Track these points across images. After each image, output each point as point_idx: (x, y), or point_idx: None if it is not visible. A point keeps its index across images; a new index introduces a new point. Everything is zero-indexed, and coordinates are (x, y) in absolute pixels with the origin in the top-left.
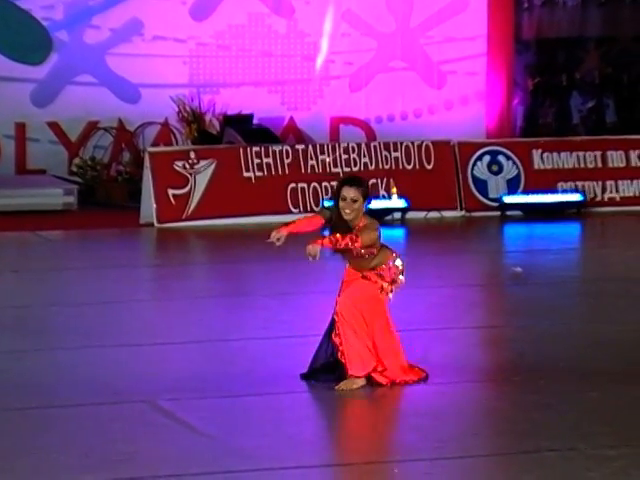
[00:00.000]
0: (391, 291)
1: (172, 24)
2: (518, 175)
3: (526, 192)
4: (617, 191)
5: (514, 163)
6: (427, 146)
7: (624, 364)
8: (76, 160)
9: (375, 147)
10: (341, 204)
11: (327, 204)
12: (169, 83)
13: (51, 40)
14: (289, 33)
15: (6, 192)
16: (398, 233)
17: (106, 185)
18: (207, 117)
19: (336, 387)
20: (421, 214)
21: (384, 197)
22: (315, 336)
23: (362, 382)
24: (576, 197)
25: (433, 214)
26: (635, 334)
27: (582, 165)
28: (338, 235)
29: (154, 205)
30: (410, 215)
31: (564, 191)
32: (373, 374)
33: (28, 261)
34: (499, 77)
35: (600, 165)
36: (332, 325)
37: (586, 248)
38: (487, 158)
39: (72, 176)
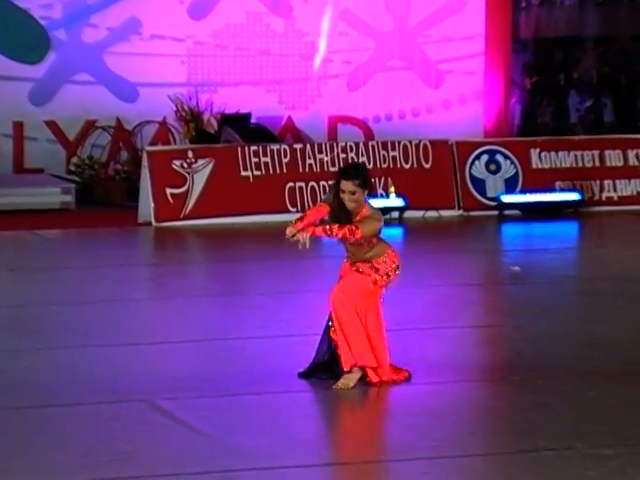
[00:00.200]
0: (384, 285)
1: (170, 23)
2: (516, 174)
3: (524, 191)
4: (615, 190)
5: (512, 162)
6: (425, 145)
7: (622, 363)
8: (74, 159)
9: (373, 146)
10: (341, 195)
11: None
12: (167, 82)
13: (49, 39)
14: (287, 32)
15: (4, 191)
16: (396, 232)
17: (104, 184)
18: (205, 116)
19: (334, 386)
20: (419, 213)
21: (382, 196)
22: (313, 335)
23: (358, 375)
24: (574, 196)
25: (431, 213)
26: (633, 333)
27: (580, 164)
28: (335, 225)
29: (152, 204)
30: (408, 214)
31: (562, 190)
32: (368, 370)
33: (26, 260)
34: (497, 76)
35: (598, 164)
36: (329, 322)
37: (584, 247)
38: (485, 157)
39: (70, 175)
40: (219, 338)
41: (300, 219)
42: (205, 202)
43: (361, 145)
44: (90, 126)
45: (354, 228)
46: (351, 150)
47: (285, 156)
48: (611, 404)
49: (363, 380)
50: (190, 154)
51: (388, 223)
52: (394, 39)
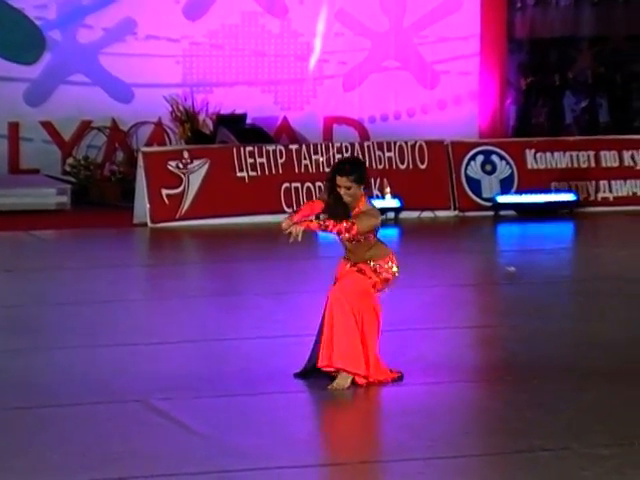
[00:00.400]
0: (382, 290)
1: (165, 23)
2: (511, 175)
3: (519, 192)
4: (610, 191)
5: (507, 163)
6: (420, 146)
7: (617, 363)
8: (69, 160)
9: (368, 147)
10: (337, 189)
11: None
12: (162, 83)
13: (44, 39)
14: (283, 33)
15: None
16: (391, 233)
17: (99, 185)
18: (200, 117)
19: (329, 387)
20: (414, 214)
21: (378, 197)
22: (309, 335)
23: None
24: (569, 197)
25: (426, 214)
26: (628, 333)
27: (575, 165)
28: (330, 221)
29: (147, 205)
30: (403, 215)
31: (557, 191)
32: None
33: (21, 261)
34: (492, 77)
35: (593, 165)
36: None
37: (579, 248)
38: (480, 158)
39: (65, 176)
40: (215, 338)
41: (294, 212)
42: (201, 203)
43: (357, 146)
44: (85, 127)
45: (350, 224)
46: (347, 151)
47: (281, 157)
48: (607, 404)
49: (352, 382)
50: (186, 155)
51: (384, 224)
52: (389, 40)
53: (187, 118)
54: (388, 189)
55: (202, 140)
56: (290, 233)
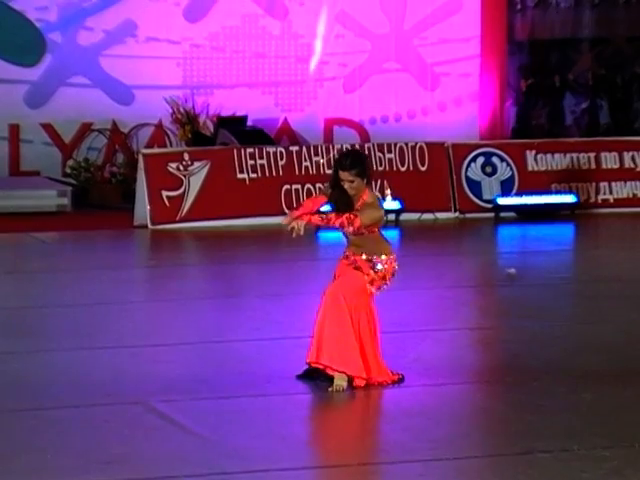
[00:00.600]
0: (379, 287)
1: (166, 26)
2: (512, 176)
3: (520, 193)
4: (611, 192)
5: (508, 165)
6: (421, 147)
7: (617, 365)
8: (70, 162)
9: (369, 148)
10: (341, 183)
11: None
12: (163, 84)
13: (45, 41)
14: (283, 34)
15: (0, 193)
16: (392, 234)
17: (100, 187)
18: (201, 118)
19: (329, 389)
20: (415, 215)
21: (378, 199)
22: (309, 337)
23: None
24: (570, 198)
25: (427, 216)
26: (628, 335)
27: (576, 166)
28: (332, 214)
29: (148, 207)
30: (404, 216)
31: (558, 192)
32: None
33: (22, 262)
34: (492, 78)
35: (594, 166)
36: None
37: (580, 249)
38: (481, 159)
39: (66, 178)
40: (215, 340)
41: (296, 208)
42: (201, 204)
43: (357, 147)
44: (86, 129)
45: (352, 217)
46: None
47: (281, 158)
48: (607, 405)
49: (349, 385)
50: (186, 156)
51: (384, 225)
52: (390, 41)
53: (187, 120)
54: (388, 191)
55: (203, 142)
56: (293, 228)
